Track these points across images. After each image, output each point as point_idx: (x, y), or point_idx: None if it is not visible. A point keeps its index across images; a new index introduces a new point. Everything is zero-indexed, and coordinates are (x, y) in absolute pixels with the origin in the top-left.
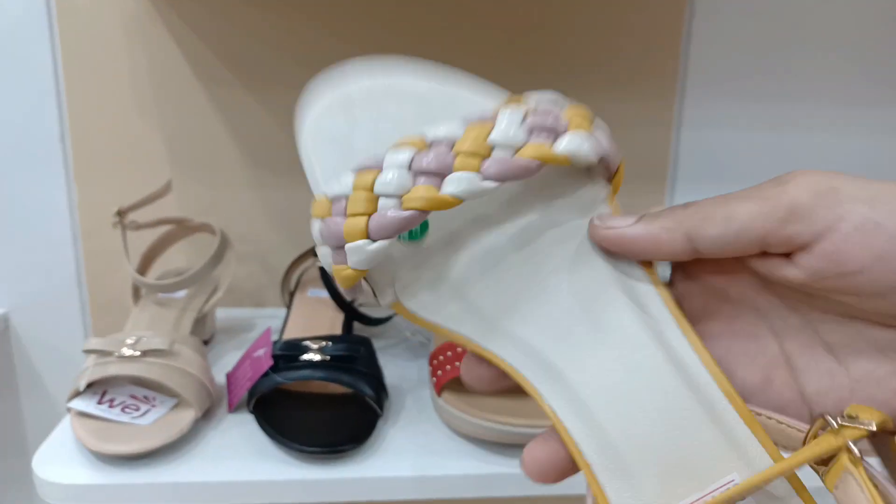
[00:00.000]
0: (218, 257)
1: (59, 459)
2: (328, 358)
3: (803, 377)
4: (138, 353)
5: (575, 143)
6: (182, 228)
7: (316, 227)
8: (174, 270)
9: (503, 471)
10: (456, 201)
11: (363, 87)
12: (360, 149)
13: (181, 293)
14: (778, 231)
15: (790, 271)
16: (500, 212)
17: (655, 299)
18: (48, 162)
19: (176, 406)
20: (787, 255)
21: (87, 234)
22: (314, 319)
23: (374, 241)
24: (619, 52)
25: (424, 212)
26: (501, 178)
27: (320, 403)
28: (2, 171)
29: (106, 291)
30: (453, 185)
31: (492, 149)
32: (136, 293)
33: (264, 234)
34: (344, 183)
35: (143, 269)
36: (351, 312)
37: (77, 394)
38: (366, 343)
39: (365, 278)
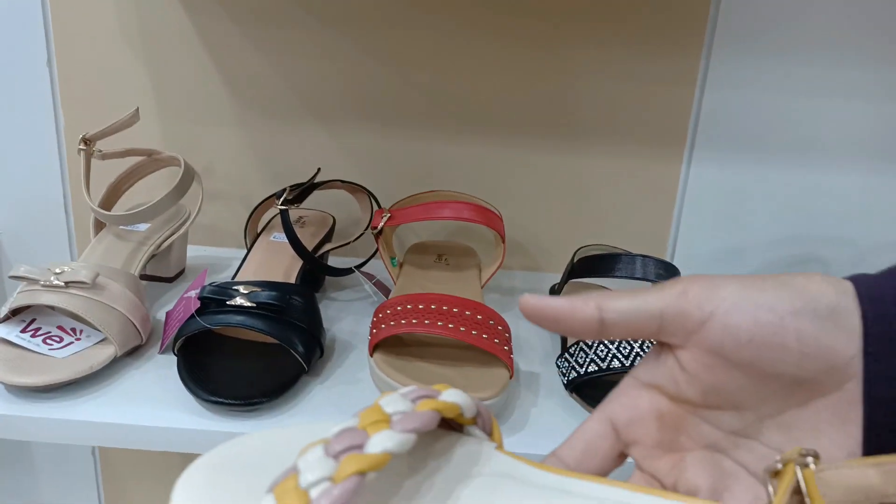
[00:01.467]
0: (180, 190)
1: None
2: (254, 305)
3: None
4: (62, 284)
5: (452, 394)
6: (151, 161)
7: None
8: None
9: None
10: (387, 457)
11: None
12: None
13: (144, 227)
14: (673, 306)
15: (687, 353)
16: (410, 486)
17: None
18: (35, 87)
19: (101, 342)
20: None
21: (73, 159)
22: (270, 264)
23: None
24: (644, 3)
25: (362, 474)
26: (414, 429)
27: (249, 352)
28: None
29: (90, 217)
30: (378, 444)
31: (391, 416)
32: (98, 225)
33: (248, 174)
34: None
35: (110, 200)
36: (310, 261)
37: (1, 320)
38: (303, 294)
39: None
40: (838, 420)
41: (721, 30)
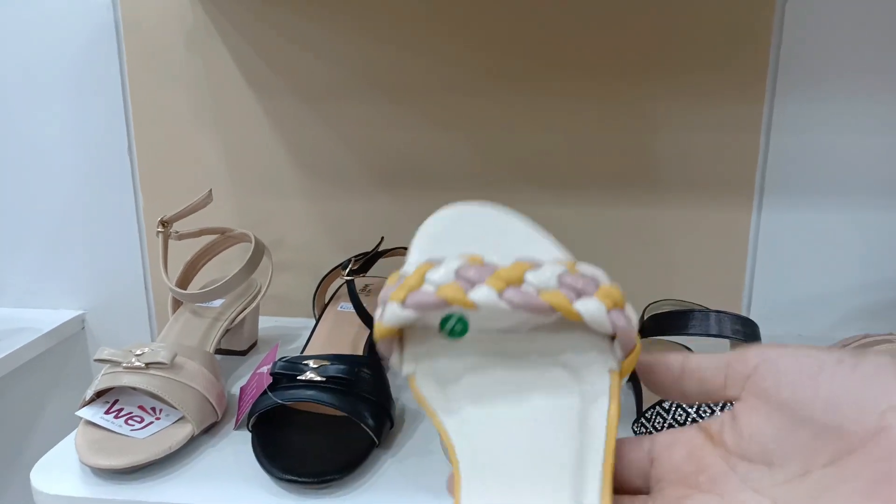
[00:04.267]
0: (251, 266)
1: (58, 469)
2: (324, 379)
3: None
4: (143, 365)
5: (591, 306)
6: (224, 238)
7: (382, 291)
8: (218, 280)
9: None
10: (471, 304)
11: (472, 210)
12: (445, 250)
13: (219, 302)
14: (736, 355)
15: (742, 404)
16: (521, 353)
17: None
18: (117, 173)
19: (179, 420)
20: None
21: (152, 240)
22: (338, 335)
23: (405, 308)
24: (703, 46)
25: (447, 303)
26: (514, 305)
27: (321, 426)
28: (76, 182)
29: (168, 294)
30: (476, 293)
31: (523, 283)
32: (176, 302)
33: (317, 245)
34: (412, 265)
35: (186, 278)
36: None
37: (86, 402)
38: (371, 365)
39: (402, 347)
40: (870, 480)
41: (783, 74)
